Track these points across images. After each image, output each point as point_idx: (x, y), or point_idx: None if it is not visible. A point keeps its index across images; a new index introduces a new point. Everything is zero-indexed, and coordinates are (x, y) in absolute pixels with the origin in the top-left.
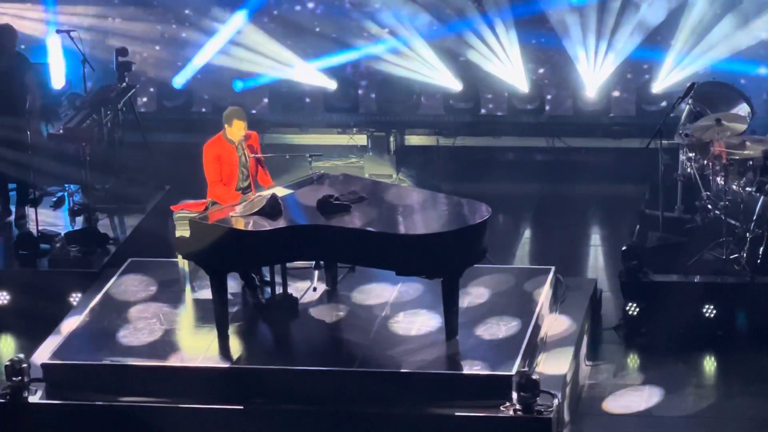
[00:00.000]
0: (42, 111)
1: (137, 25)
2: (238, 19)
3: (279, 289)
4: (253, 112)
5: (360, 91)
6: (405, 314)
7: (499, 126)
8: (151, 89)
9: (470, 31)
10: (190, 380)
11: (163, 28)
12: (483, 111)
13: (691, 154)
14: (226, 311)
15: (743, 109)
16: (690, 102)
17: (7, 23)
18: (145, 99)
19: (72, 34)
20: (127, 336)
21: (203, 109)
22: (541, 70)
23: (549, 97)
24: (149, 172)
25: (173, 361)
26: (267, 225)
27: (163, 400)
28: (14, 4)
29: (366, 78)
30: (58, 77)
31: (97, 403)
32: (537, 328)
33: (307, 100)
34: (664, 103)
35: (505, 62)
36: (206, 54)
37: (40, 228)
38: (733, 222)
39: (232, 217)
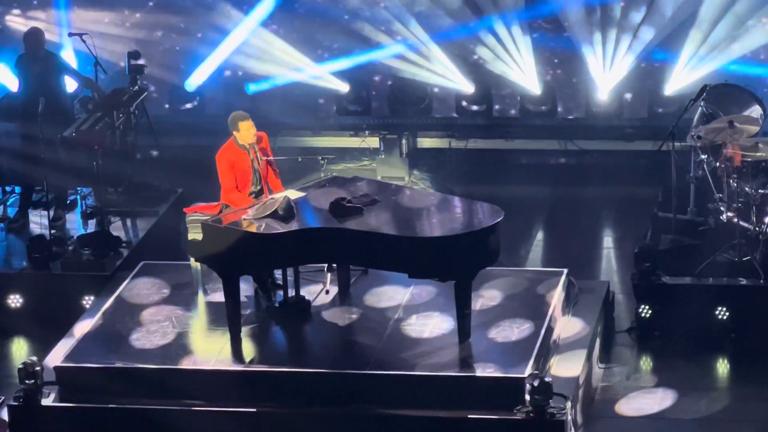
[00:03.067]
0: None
1: (149, 28)
2: (251, 21)
3: (291, 292)
4: (266, 115)
5: (372, 93)
6: (418, 317)
7: (511, 128)
8: (163, 92)
9: (482, 32)
10: (203, 383)
11: (175, 31)
12: (496, 107)
13: (703, 156)
14: (238, 314)
15: (756, 110)
16: (702, 104)
17: (34, 27)
18: (157, 100)
19: (84, 37)
20: (139, 339)
21: (215, 110)
22: (553, 72)
23: (561, 99)
24: (162, 175)
25: (186, 364)
26: (280, 228)
27: (176, 403)
28: (27, 8)
29: (378, 80)
30: (70, 81)
31: (109, 405)
32: (550, 330)
33: (321, 101)
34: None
35: (518, 64)
36: (219, 57)
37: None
38: (745, 224)
39: (244, 220)
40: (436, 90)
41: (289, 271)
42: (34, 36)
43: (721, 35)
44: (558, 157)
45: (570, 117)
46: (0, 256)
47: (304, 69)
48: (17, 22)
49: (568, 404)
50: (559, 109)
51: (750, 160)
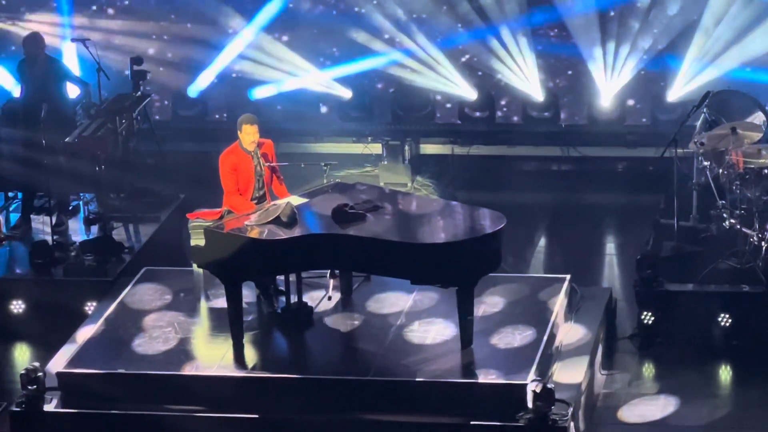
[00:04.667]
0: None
1: (152, 33)
2: (254, 27)
3: (294, 298)
4: (268, 121)
5: (375, 98)
6: (420, 323)
7: (514, 135)
8: (166, 99)
9: (486, 39)
10: (205, 389)
11: (178, 37)
12: (499, 114)
13: (706, 163)
14: (241, 320)
15: (758, 117)
16: (705, 111)
17: (34, 31)
18: (159, 106)
19: (87, 43)
20: (142, 345)
21: (218, 116)
22: (556, 79)
23: (564, 106)
24: (164, 181)
25: (188, 370)
26: (282, 234)
27: (178, 409)
28: (29, 13)
29: (381, 86)
30: (72, 86)
31: (112, 411)
32: (552, 337)
33: (324, 107)
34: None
35: (521, 71)
36: (222, 62)
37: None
38: (748, 231)
39: (247, 226)
40: (438, 98)
41: (292, 277)
42: (33, 40)
43: (724, 42)
44: (560, 164)
45: (573, 123)
46: (2, 261)
47: (307, 75)
48: (18, 26)
49: (570, 411)
50: (562, 116)
51: (753, 166)
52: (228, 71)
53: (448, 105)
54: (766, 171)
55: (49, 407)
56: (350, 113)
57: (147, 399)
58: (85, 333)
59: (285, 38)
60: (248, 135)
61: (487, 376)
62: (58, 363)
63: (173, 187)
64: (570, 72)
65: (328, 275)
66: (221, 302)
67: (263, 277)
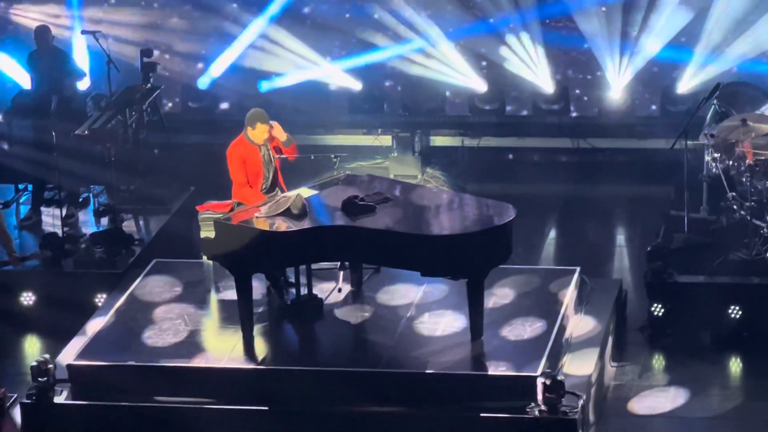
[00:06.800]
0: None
1: (162, 25)
2: (264, 19)
3: (304, 290)
4: (278, 113)
5: (385, 92)
6: (430, 315)
7: (524, 127)
8: (176, 90)
9: (496, 31)
10: (215, 381)
11: (188, 29)
12: (509, 108)
13: (716, 155)
14: (251, 312)
15: None
16: (715, 102)
17: (42, 24)
18: (169, 102)
19: (97, 35)
20: (152, 337)
21: (224, 105)
22: (566, 71)
23: (574, 97)
24: (174, 173)
25: (198, 362)
26: (292, 226)
27: (188, 401)
28: (39, 6)
29: (391, 78)
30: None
31: (122, 403)
32: (562, 328)
33: (333, 99)
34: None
35: (532, 62)
36: (232, 54)
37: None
38: (758, 222)
39: (257, 218)
40: (447, 94)
41: (302, 269)
42: (40, 33)
43: (735, 33)
44: (570, 156)
45: (583, 115)
46: None
47: (317, 67)
48: (27, 18)
49: (581, 402)
50: (572, 108)
51: (763, 158)
52: (238, 63)
53: (454, 98)
54: None
55: (60, 399)
56: (360, 105)
57: (157, 391)
58: (95, 325)
59: (296, 30)
60: (263, 133)
61: (497, 368)
62: (69, 355)
63: (183, 179)
64: (580, 64)
65: (338, 267)
66: (231, 294)
67: (273, 270)
